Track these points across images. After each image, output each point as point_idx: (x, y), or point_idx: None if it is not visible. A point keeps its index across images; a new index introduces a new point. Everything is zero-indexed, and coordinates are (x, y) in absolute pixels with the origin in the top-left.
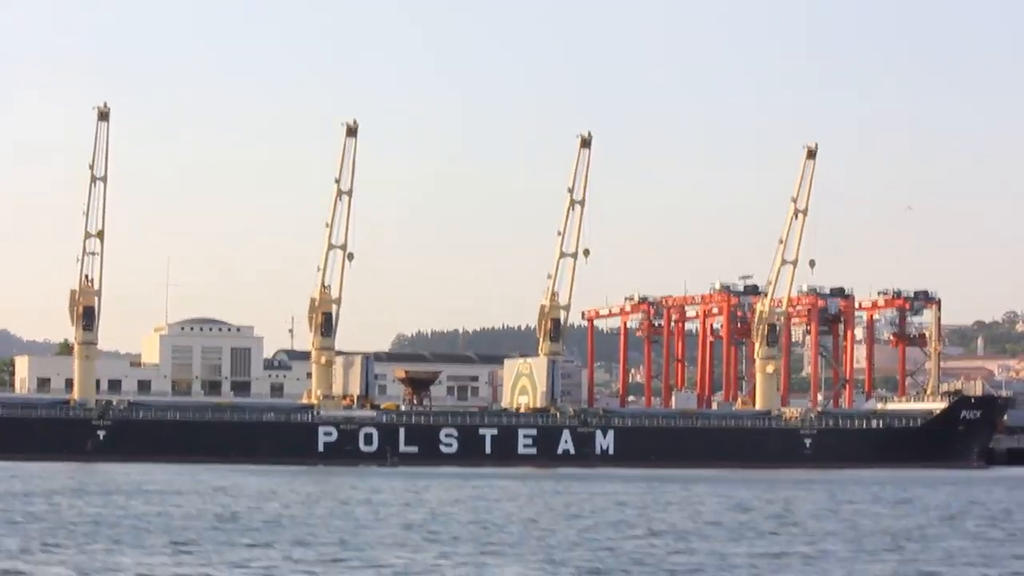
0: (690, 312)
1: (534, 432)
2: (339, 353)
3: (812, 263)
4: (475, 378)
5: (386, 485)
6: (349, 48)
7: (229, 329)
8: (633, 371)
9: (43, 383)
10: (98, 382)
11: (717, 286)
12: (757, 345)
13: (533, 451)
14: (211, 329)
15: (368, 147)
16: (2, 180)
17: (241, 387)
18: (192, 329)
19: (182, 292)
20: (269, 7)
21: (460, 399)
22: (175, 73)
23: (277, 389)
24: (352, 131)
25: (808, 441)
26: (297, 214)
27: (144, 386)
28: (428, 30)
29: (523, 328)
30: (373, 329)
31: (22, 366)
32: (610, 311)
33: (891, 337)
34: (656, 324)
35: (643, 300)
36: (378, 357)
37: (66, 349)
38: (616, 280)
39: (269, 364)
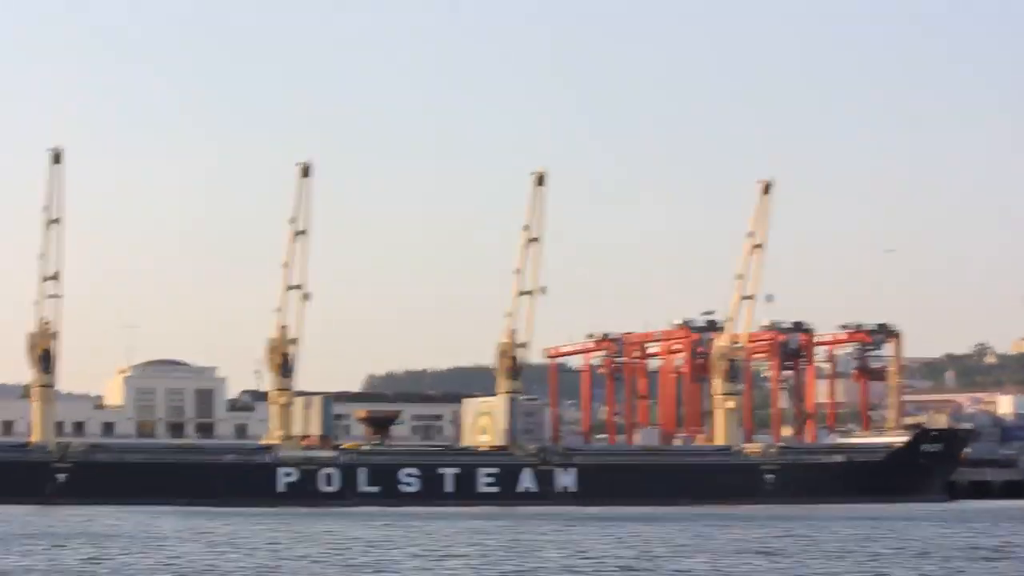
0: (653, 348)
1: (495, 470)
2: (299, 394)
3: (770, 298)
4: (439, 417)
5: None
6: (304, 87)
7: (192, 371)
8: (603, 408)
9: (7, 426)
10: (62, 424)
11: (678, 322)
12: (717, 381)
13: (495, 489)
14: (174, 370)
15: (326, 187)
16: None
17: (205, 428)
18: (155, 371)
19: (145, 333)
20: (223, 45)
21: (424, 438)
22: (129, 112)
23: (241, 430)
24: (306, 171)
25: (770, 476)
26: (257, 254)
27: (108, 428)
28: (381, 69)
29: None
30: (343, 370)
31: None
32: (572, 348)
33: (853, 371)
34: (618, 361)
35: (605, 337)
36: (340, 397)
37: (29, 392)
38: (578, 317)
39: (232, 405)
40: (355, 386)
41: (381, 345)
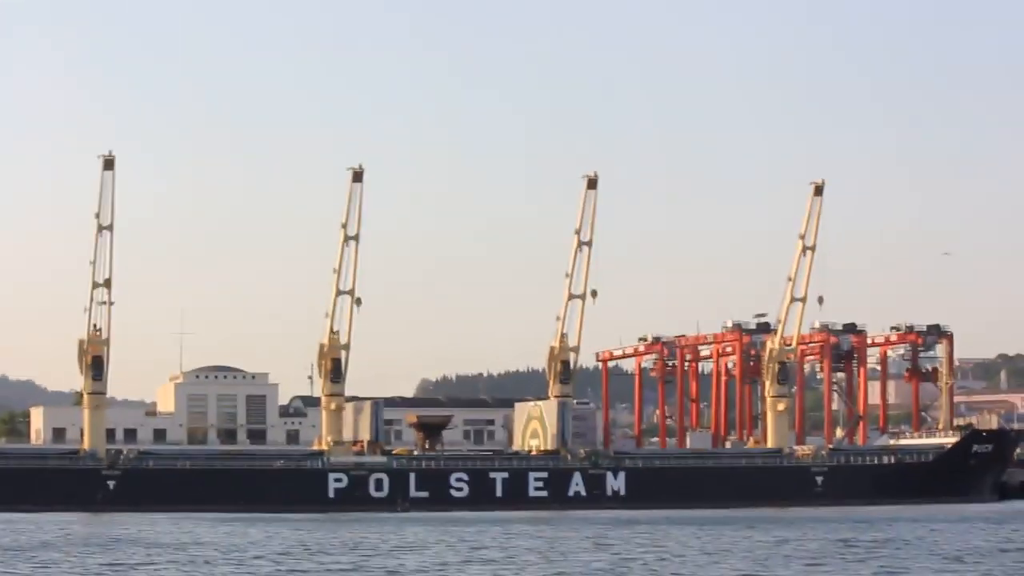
0: (704, 351)
1: (545, 475)
2: (349, 399)
3: (820, 300)
4: (491, 422)
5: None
6: (354, 92)
7: (244, 376)
8: (655, 411)
9: (58, 433)
10: (114, 432)
11: (730, 325)
12: (768, 383)
13: (544, 494)
14: (226, 377)
15: (377, 191)
16: (25, 226)
17: (257, 435)
18: (207, 377)
19: (197, 340)
20: (275, 54)
21: (476, 443)
22: (182, 120)
23: (293, 436)
24: (358, 176)
25: (819, 479)
26: (309, 260)
27: (160, 435)
28: (432, 73)
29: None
30: (396, 375)
31: (37, 417)
32: (624, 352)
33: (905, 372)
34: (670, 364)
35: (656, 340)
36: (392, 403)
37: (81, 400)
38: (630, 321)
39: (284, 411)
40: (409, 391)
41: (435, 350)
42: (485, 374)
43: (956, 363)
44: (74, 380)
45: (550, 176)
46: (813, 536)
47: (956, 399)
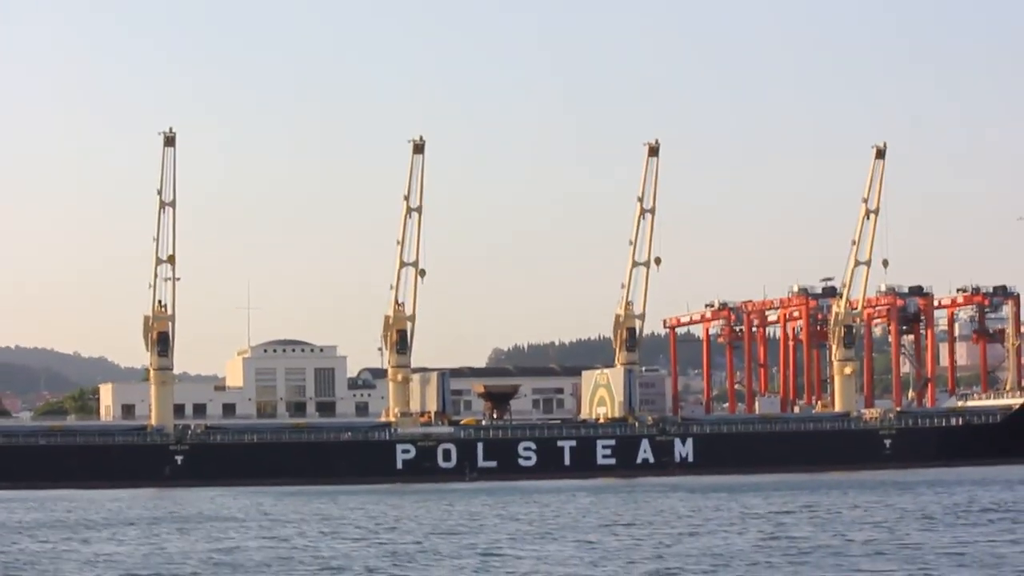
0: (771, 316)
1: (613, 442)
2: (417, 370)
3: (885, 263)
4: (560, 390)
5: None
6: (415, 65)
7: (312, 350)
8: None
9: (127, 410)
10: (183, 407)
11: (796, 289)
12: (834, 347)
13: (612, 461)
14: (294, 350)
15: (438, 163)
16: (96, 203)
17: (326, 407)
18: (275, 351)
19: (265, 315)
20: (335, 31)
21: (545, 412)
22: (243, 98)
23: (362, 408)
24: (419, 148)
25: (888, 441)
26: (376, 232)
27: (229, 409)
28: (493, 44)
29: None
30: (469, 346)
31: (106, 394)
32: (691, 319)
33: (972, 334)
34: (737, 330)
35: (723, 306)
36: (460, 373)
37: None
38: (697, 287)
39: (353, 383)
40: (480, 361)
41: (506, 319)
42: (556, 343)
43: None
44: (144, 357)
45: (612, 144)
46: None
47: None
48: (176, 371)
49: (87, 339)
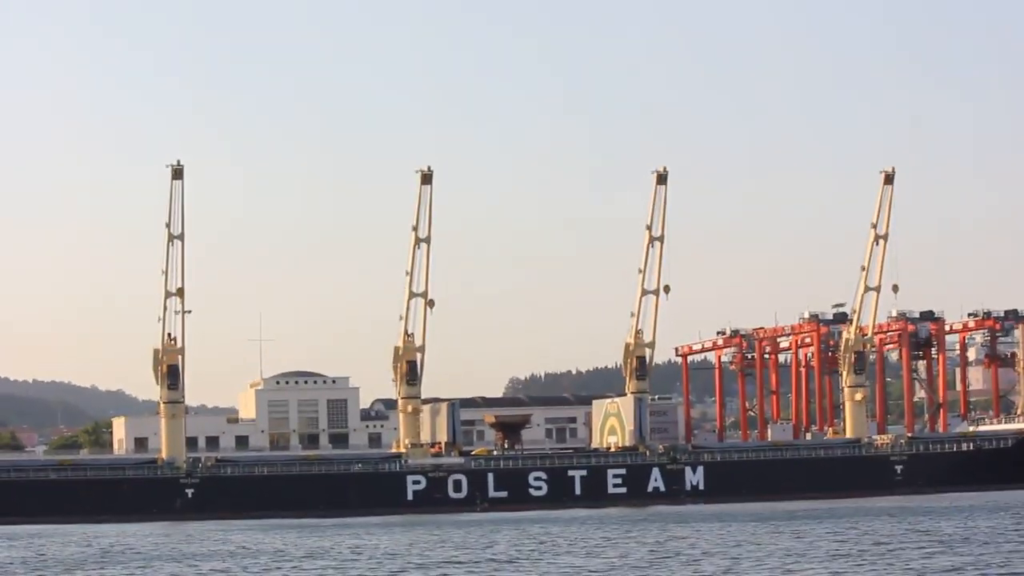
0: (783, 343)
1: (623, 471)
2: (427, 401)
3: (895, 288)
4: (573, 419)
5: None
6: (424, 94)
7: (324, 381)
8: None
9: (140, 443)
10: (196, 439)
11: (807, 316)
12: (845, 373)
13: (623, 490)
14: (306, 382)
15: (445, 193)
16: (109, 237)
17: (339, 439)
18: (287, 383)
19: (278, 347)
20: (337, 61)
21: (558, 441)
22: (255, 130)
23: (375, 439)
24: (427, 178)
25: (899, 468)
26: (386, 263)
27: (242, 441)
28: (500, 70)
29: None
30: (486, 375)
31: (119, 427)
32: (703, 346)
33: (984, 358)
34: (749, 357)
35: (735, 333)
36: (473, 403)
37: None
38: (709, 314)
39: (366, 415)
40: (498, 391)
41: (522, 349)
42: (574, 371)
43: None
44: (153, 390)
45: (618, 170)
46: None
47: None
48: (190, 404)
49: (104, 372)
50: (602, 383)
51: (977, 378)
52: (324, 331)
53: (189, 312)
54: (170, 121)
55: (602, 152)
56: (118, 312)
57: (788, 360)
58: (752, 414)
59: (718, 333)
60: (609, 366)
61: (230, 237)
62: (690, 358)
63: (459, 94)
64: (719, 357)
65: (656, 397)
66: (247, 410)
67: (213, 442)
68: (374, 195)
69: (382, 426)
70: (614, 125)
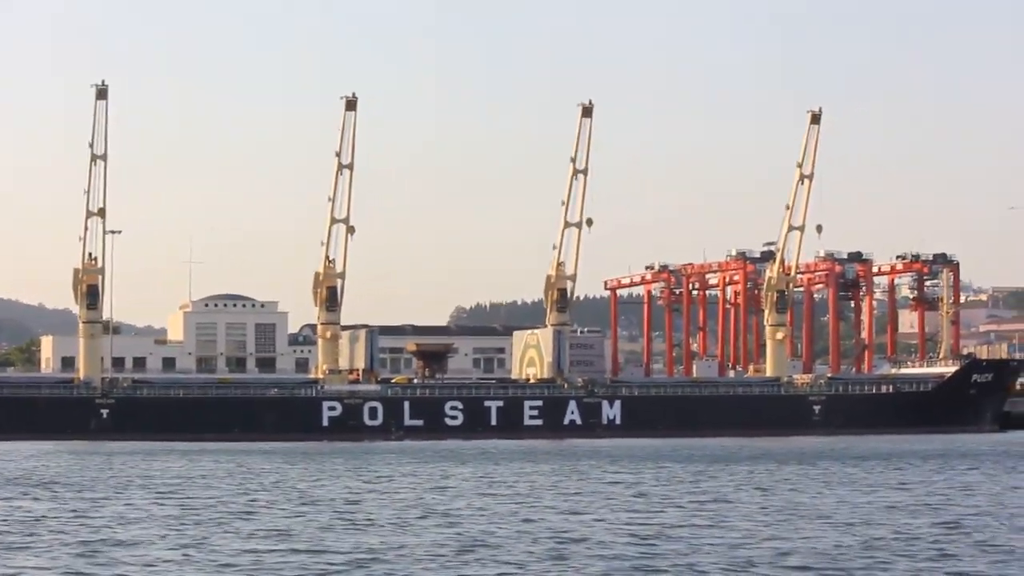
0: (712, 279)
1: (540, 403)
2: (345, 327)
3: (819, 228)
4: (501, 350)
5: None
6: (348, 20)
7: (253, 305)
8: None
9: (68, 362)
10: (123, 360)
11: (734, 253)
12: (767, 312)
13: (539, 422)
14: (235, 305)
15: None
16: (34, 153)
17: (266, 363)
18: (216, 306)
19: (208, 269)
20: None
21: (486, 371)
22: (177, 52)
23: (302, 364)
24: (352, 104)
25: (817, 408)
26: (312, 189)
27: (168, 363)
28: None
29: (586, 298)
30: (433, 303)
31: (47, 346)
32: (632, 280)
33: (911, 301)
34: (677, 292)
35: (663, 268)
36: (400, 331)
37: None
38: (641, 249)
39: (294, 339)
40: (443, 319)
41: (469, 277)
42: (519, 302)
43: (991, 292)
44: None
45: (549, 104)
46: None
47: (985, 327)
48: (120, 325)
49: (53, 291)
50: (541, 314)
51: (910, 321)
52: (255, 255)
53: (119, 232)
54: (96, 41)
55: (528, 83)
56: (37, 231)
57: (716, 297)
58: (680, 350)
59: (647, 268)
60: None
61: (165, 160)
62: (621, 293)
63: (384, 17)
64: (648, 292)
65: (585, 330)
66: (175, 332)
67: (140, 363)
68: (304, 120)
69: (309, 351)
70: (541, 56)
